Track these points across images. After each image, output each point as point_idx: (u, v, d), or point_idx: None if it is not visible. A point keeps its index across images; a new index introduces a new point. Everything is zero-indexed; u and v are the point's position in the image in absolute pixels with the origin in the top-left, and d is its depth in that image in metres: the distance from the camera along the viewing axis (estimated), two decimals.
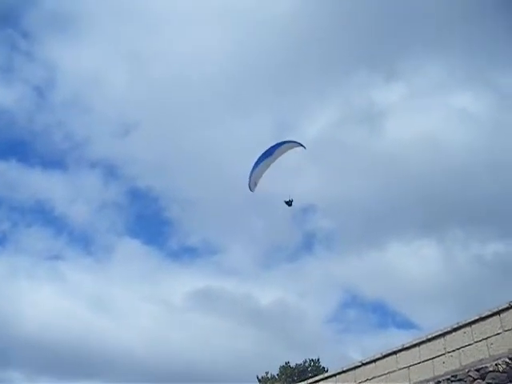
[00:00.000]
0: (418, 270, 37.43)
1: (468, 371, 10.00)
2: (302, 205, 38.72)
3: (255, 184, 19.75)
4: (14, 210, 46.27)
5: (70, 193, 46.11)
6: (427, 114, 39.74)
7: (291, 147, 19.48)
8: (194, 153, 40.64)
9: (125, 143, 42.59)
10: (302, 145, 19.33)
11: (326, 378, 12.24)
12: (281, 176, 39.15)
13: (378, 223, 39.44)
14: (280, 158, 19.54)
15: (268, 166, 19.58)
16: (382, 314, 48.83)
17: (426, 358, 10.81)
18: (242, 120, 40.12)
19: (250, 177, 19.50)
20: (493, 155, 38.46)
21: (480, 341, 10.29)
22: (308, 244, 42.68)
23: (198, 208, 41.81)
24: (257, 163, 19.26)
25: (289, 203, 19.85)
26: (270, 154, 19.45)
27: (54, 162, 45.59)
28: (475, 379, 9.82)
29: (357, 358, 11.18)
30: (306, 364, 27.04)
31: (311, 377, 13.12)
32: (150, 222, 45.03)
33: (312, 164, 38.93)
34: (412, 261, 38.47)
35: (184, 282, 40.57)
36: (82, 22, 43.85)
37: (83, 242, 47.35)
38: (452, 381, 10.10)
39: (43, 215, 46.19)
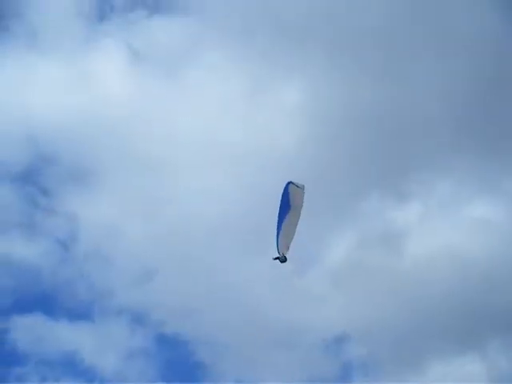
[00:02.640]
0: None
1: None
2: (334, 334, 38.61)
3: (288, 248, 18.20)
4: (43, 364, 45.53)
5: (98, 343, 45.52)
6: (445, 228, 40.18)
7: (299, 190, 18.37)
8: (217, 292, 40.75)
9: (148, 290, 42.67)
10: (297, 185, 18.52)
11: None
12: (306, 306, 39.12)
13: (413, 343, 38.76)
14: (299, 209, 18.03)
15: (296, 223, 18.04)
16: None
17: None
18: (260, 255, 40.50)
19: (278, 241, 17.91)
20: None
21: None
22: (345, 374, 41.65)
23: (228, 348, 41.17)
24: (280, 222, 17.81)
25: (281, 260, 18.25)
26: (287, 206, 18.08)
27: (79, 314, 45.26)
28: None
29: None
30: None
31: None
32: (181, 366, 44.15)
33: (337, 291, 39.04)
34: (456, 379, 37.47)
35: None
36: (97, 174, 45.32)
37: None
38: None
39: (72, 368, 45.40)
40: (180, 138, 43.40)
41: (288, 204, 18.49)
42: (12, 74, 46.14)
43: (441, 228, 40.79)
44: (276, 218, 19.51)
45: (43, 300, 44.38)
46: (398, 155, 41.48)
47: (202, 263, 40.62)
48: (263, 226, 41.83)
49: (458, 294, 37.40)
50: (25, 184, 44.56)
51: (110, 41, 47.64)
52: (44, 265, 42.85)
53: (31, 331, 42.28)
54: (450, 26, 44.16)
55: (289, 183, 18.80)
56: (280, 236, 18.26)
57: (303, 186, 18.82)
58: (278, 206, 19.50)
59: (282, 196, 18.51)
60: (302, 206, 18.46)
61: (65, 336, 43.67)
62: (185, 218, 40.89)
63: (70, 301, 43.90)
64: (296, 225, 18.41)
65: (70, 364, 43.38)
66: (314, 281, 39.74)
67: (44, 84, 46.39)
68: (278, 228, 18.29)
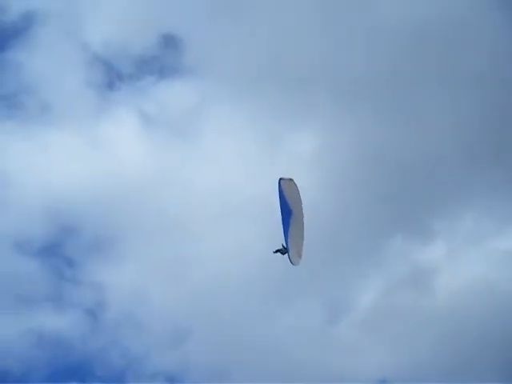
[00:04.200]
0: None
1: None
2: (375, 380, 38.15)
3: (300, 256, 18.02)
4: None
5: None
6: (473, 263, 40.12)
7: (291, 184, 18.37)
8: (251, 348, 40.55)
9: (181, 351, 42.48)
10: (286, 179, 18.48)
11: None
12: (345, 354, 38.69)
13: (456, 381, 38.30)
14: (301, 210, 18.03)
15: (302, 227, 17.92)
16: None
17: None
18: (290, 307, 40.48)
19: (287, 248, 17.70)
20: None
21: None
22: None
23: None
24: (285, 228, 17.63)
25: (282, 252, 17.87)
26: (288, 211, 18.00)
27: (112, 380, 45.00)
28: None
29: None
30: None
31: None
32: None
33: (372, 337, 38.81)
34: None
35: None
36: (119, 241, 45.53)
37: None
38: None
39: None
40: (198, 197, 43.62)
41: (288, 207, 18.43)
42: (26, 148, 46.69)
43: (469, 263, 40.73)
44: (280, 217, 19.34)
45: (77, 370, 44.17)
46: (417, 194, 41.64)
47: (233, 320, 40.55)
48: (290, 278, 41.93)
49: (496, 326, 37.15)
50: (49, 257, 44.79)
51: (122, 108, 48.47)
52: (75, 335, 42.79)
53: None
54: (458, 58, 44.57)
55: (280, 180, 18.88)
56: (290, 244, 18.08)
57: (291, 179, 18.86)
58: (279, 205, 19.40)
59: (279, 196, 18.45)
60: (301, 206, 18.39)
61: None
62: (211, 276, 40.93)
63: (104, 369, 43.69)
64: (303, 230, 18.32)
65: None
66: (348, 329, 39.70)
67: (59, 155, 47.00)
68: (284, 234, 18.08)
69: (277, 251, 18.37)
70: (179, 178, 45.08)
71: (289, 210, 18.30)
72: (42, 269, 43.23)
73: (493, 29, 44.58)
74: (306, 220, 18.30)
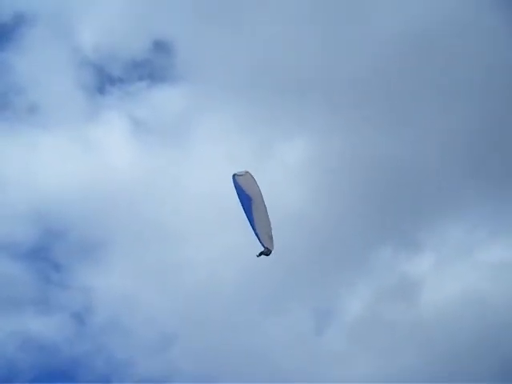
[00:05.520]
0: None
1: None
2: None
3: (271, 238, 17.82)
4: None
5: None
6: (462, 275, 40.21)
7: (247, 177, 18.20)
8: (238, 355, 40.44)
9: (168, 357, 42.25)
10: (240, 174, 18.32)
11: None
12: (331, 364, 38.62)
13: None
14: (260, 195, 17.91)
15: (265, 211, 17.79)
16: None
17: None
18: (278, 315, 40.43)
19: (259, 235, 17.52)
20: None
21: None
22: None
23: None
24: (250, 218, 17.53)
25: (266, 254, 17.53)
26: (247, 199, 17.85)
27: None
28: None
29: None
30: None
31: None
32: None
33: (358, 347, 38.78)
34: None
35: None
36: (107, 245, 45.23)
37: None
38: None
39: None
40: (188, 202, 43.47)
41: (247, 196, 18.23)
42: (15, 151, 46.45)
43: (458, 275, 40.85)
44: (244, 214, 19.19)
45: (62, 375, 43.84)
46: (407, 205, 41.78)
47: (221, 326, 40.39)
48: (279, 285, 41.84)
49: (484, 338, 37.24)
50: (36, 260, 44.46)
51: (112, 113, 48.33)
52: (61, 340, 42.44)
53: None
54: (452, 64, 44.68)
55: (233, 176, 18.66)
56: (258, 230, 17.90)
57: (246, 171, 18.70)
58: (238, 201, 19.23)
59: (236, 191, 18.24)
60: (260, 192, 18.24)
61: None
62: (200, 283, 40.79)
63: (89, 373, 43.34)
64: (266, 213, 18.15)
65: None
66: (335, 339, 39.64)
67: (48, 159, 46.79)
68: (250, 223, 17.88)
69: (260, 254, 18.05)
70: (169, 183, 44.97)
71: (249, 199, 18.08)
72: (28, 272, 42.86)
73: (489, 35, 44.68)
74: (268, 205, 18.06)
